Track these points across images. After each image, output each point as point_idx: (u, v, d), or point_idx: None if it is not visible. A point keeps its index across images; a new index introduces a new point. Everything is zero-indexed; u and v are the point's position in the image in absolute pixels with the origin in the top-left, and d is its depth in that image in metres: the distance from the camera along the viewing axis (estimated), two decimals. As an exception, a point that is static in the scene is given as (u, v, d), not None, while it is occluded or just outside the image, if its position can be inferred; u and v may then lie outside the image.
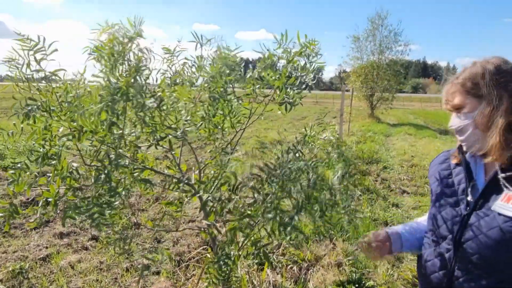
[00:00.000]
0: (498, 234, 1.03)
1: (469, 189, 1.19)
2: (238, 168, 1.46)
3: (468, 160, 1.24)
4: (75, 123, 1.21)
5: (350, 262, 3.43)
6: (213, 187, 1.52)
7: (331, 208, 1.21)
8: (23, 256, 3.50)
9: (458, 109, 1.18)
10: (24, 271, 3.22)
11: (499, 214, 1.04)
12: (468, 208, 1.16)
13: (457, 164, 1.31)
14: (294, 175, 1.20)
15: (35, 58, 1.21)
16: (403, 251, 1.46)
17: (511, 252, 1.02)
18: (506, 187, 1.06)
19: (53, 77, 1.26)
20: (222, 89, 1.56)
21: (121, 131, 1.27)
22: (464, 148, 1.22)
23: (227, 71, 1.54)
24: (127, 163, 1.40)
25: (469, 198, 1.17)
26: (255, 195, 1.23)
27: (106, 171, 1.26)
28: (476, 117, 1.12)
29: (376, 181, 6.49)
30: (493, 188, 1.11)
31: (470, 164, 1.23)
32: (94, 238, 3.93)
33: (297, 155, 1.39)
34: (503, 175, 1.08)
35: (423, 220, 1.54)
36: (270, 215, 1.19)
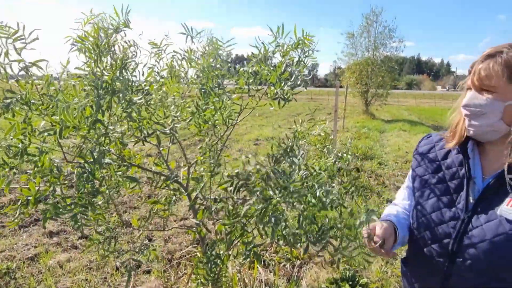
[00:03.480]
0: (505, 242, 0.93)
1: (470, 189, 1.06)
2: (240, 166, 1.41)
3: (469, 153, 1.10)
4: (56, 118, 1.15)
5: (344, 259, 3.40)
6: (203, 184, 1.47)
7: (330, 231, 1.13)
8: (11, 255, 3.42)
9: (487, 90, 1.01)
10: (11, 271, 3.14)
11: (507, 220, 0.94)
12: (468, 210, 1.04)
13: (446, 155, 1.18)
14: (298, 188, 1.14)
15: (14, 46, 1.13)
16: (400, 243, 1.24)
17: None
18: None
19: (33, 68, 1.19)
20: (213, 83, 1.50)
21: (105, 129, 1.21)
22: (470, 133, 1.07)
23: (218, 65, 1.48)
24: (111, 161, 1.34)
25: (471, 199, 1.05)
26: (252, 197, 1.17)
27: (89, 169, 1.20)
28: (508, 108, 0.98)
29: (371, 177, 6.48)
30: (496, 189, 1.00)
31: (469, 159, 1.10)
32: (84, 237, 3.86)
33: (288, 150, 1.33)
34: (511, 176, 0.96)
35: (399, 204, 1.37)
36: (273, 222, 1.13)
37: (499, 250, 0.95)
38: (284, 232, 1.11)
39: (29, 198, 1.19)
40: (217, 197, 1.40)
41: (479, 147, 1.12)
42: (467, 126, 1.08)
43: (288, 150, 1.30)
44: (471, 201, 1.06)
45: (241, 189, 1.17)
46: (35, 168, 1.19)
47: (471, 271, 1.02)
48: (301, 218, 1.08)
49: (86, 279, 3.06)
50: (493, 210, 0.99)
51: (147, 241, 3.81)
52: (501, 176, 1.00)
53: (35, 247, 3.62)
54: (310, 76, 1.46)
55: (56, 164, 1.21)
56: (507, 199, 0.97)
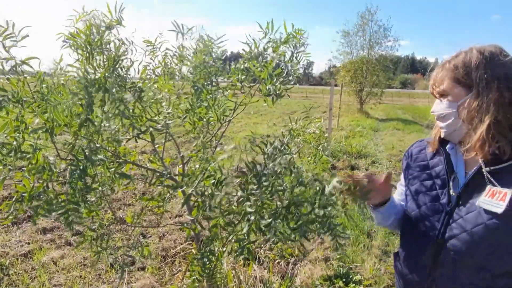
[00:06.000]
0: (484, 232, 0.99)
1: (451, 183, 1.14)
2: (226, 162, 1.41)
3: (448, 151, 1.19)
4: (46, 115, 1.15)
5: (338, 256, 3.43)
6: (197, 181, 1.47)
7: (306, 224, 1.14)
8: (4, 252, 3.40)
9: (443, 95, 1.14)
10: (4, 267, 3.13)
11: (485, 210, 1.00)
12: (451, 203, 1.11)
13: (434, 155, 1.26)
14: (278, 182, 1.15)
15: (3, 44, 1.12)
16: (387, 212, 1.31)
17: (496, 249, 0.99)
18: (491, 182, 1.02)
19: (24, 66, 1.18)
20: (206, 80, 1.50)
21: (95, 127, 1.20)
22: (442, 135, 1.19)
23: (211, 62, 1.48)
24: (104, 158, 1.34)
25: (452, 192, 1.13)
26: (239, 192, 1.18)
27: (81, 166, 1.20)
28: (460, 107, 1.09)
29: (365, 175, 6.51)
30: (476, 183, 1.07)
31: (451, 156, 1.18)
32: (78, 234, 3.85)
33: (282, 148, 1.33)
34: (487, 169, 1.04)
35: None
36: (252, 217, 1.14)
37: (478, 240, 1.00)
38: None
39: (23, 194, 1.19)
40: (206, 192, 1.40)
41: (462, 146, 1.19)
42: (440, 129, 1.20)
43: (280, 147, 1.30)
44: (453, 194, 1.12)
45: (223, 182, 1.18)
46: (29, 165, 1.19)
47: (454, 262, 1.07)
48: (279, 208, 1.08)
49: (81, 276, 3.06)
50: (473, 202, 1.05)
51: (142, 238, 3.80)
52: (480, 170, 1.06)
53: (29, 243, 3.61)
54: (302, 72, 1.47)
55: (49, 161, 1.20)
56: (485, 191, 1.02)
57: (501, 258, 1.00)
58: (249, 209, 1.05)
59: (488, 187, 1.02)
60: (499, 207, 0.96)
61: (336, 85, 15.33)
